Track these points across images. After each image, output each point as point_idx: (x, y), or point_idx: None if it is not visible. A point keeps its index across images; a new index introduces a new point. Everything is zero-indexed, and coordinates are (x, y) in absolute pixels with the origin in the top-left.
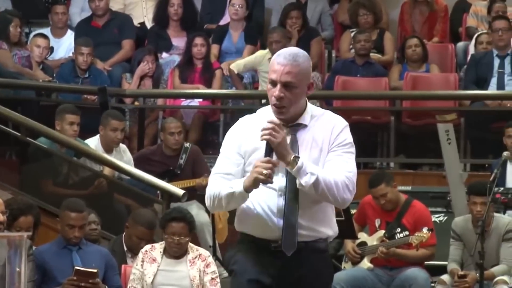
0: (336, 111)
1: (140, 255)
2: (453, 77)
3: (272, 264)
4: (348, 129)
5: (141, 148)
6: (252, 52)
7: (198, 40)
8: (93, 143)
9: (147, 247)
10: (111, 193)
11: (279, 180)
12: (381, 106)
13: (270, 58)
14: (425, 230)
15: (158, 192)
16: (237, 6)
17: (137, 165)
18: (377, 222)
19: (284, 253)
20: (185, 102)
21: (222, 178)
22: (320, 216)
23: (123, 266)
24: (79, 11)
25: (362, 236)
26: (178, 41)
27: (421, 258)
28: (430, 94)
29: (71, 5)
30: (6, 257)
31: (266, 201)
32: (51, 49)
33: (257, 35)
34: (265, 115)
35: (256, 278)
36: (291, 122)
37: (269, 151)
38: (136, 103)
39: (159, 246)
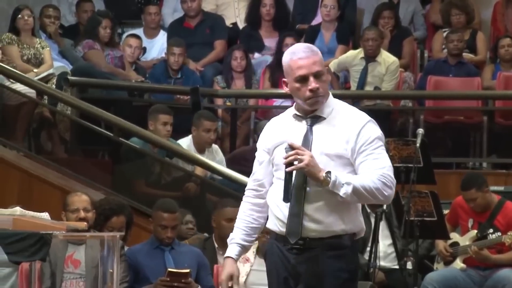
0: (428, 111)
1: None
2: None
3: (290, 261)
4: (371, 123)
5: (234, 148)
6: (344, 52)
7: (289, 40)
8: (186, 143)
9: None
10: (204, 193)
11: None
12: (474, 106)
13: (362, 57)
14: None
15: None
16: (329, 7)
17: (232, 164)
18: (470, 223)
19: (300, 250)
20: (277, 102)
21: (247, 189)
22: (335, 209)
23: (215, 266)
24: (171, 11)
25: (454, 237)
26: (270, 41)
27: None
28: None
29: (164, 5)
30: (99, 258)
31: (280, 196)
32: (143, 50)
33: (349, 35)
34: (291, 111)
35: (282, 278)
36: (309, 114)
37: (288, 176)
38: (228, 103)
39: (251, 246)
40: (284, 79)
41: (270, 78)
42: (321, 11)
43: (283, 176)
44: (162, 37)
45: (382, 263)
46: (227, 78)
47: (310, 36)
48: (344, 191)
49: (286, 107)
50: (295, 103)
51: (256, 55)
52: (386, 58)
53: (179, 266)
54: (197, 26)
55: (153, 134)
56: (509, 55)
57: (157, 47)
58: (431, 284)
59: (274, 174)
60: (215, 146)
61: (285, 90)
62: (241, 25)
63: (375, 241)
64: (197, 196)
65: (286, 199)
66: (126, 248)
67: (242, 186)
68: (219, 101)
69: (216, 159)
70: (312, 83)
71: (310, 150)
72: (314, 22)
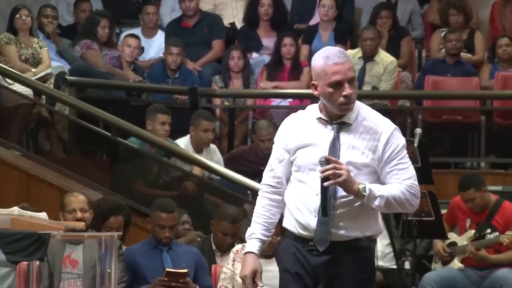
0: (426, 110)
1: (231, 254)
2: None
3: (309, 262)
4: (397, 132)
5: (231, 148)
6: None
7: (287, 40)
8: (183, 143)
9: (238, 246)
10: (201, 193)
11: (318, 180)
12: (472, 106)
13: (360, 57)
14: None
15: (248, 192)
16: (327, 7)
17: (230, 164)
18: (468, 223)
19: (321, 252)
20: (275, 102)
21: (265, 185)
22: (359, 216)
23: (213, 266)
24: (169, 11)
25: (452, 237)
26: (268, 41)
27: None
28: None
29: (162, 5)
30: (97, 258)
31: (305, 200)
32: (141, 49)
33: (347, 34)
34: (314, 112)
35: (298, 275)
36: (335, 118)
37: (325, 190)
38: (226, 103)
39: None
40: (313, 82)
41: (268, 78)
42: (319, 10)
43: (305, 179)
44: (160, 37)
45: (380, 263)
46: (225, 78)
47: (308, 36)
48: (377, 203)
49: (283, 107)
50: (319, 104)
51: (254, 54)
52: (384, 57)
53: (177, 266)
54: (195, 25)
55: (151, 134)
56: (507, 54)
57: (155, 47)
58: (429, 284)
59: (294, 174)
60: (213, 146)
61: (314, 93)
62: (239, 24)
63: (373, 241)
64: (195, 196)
65: (325, 214)
66: (124, 248)
67: (239, 186)
68: (217, 101)
69: (214, 159)
70: (347, 89)
71: (338, 158)
72: (312, 22)
